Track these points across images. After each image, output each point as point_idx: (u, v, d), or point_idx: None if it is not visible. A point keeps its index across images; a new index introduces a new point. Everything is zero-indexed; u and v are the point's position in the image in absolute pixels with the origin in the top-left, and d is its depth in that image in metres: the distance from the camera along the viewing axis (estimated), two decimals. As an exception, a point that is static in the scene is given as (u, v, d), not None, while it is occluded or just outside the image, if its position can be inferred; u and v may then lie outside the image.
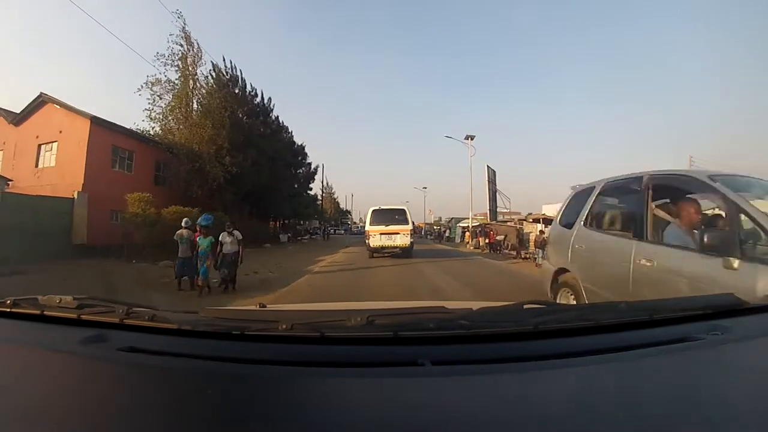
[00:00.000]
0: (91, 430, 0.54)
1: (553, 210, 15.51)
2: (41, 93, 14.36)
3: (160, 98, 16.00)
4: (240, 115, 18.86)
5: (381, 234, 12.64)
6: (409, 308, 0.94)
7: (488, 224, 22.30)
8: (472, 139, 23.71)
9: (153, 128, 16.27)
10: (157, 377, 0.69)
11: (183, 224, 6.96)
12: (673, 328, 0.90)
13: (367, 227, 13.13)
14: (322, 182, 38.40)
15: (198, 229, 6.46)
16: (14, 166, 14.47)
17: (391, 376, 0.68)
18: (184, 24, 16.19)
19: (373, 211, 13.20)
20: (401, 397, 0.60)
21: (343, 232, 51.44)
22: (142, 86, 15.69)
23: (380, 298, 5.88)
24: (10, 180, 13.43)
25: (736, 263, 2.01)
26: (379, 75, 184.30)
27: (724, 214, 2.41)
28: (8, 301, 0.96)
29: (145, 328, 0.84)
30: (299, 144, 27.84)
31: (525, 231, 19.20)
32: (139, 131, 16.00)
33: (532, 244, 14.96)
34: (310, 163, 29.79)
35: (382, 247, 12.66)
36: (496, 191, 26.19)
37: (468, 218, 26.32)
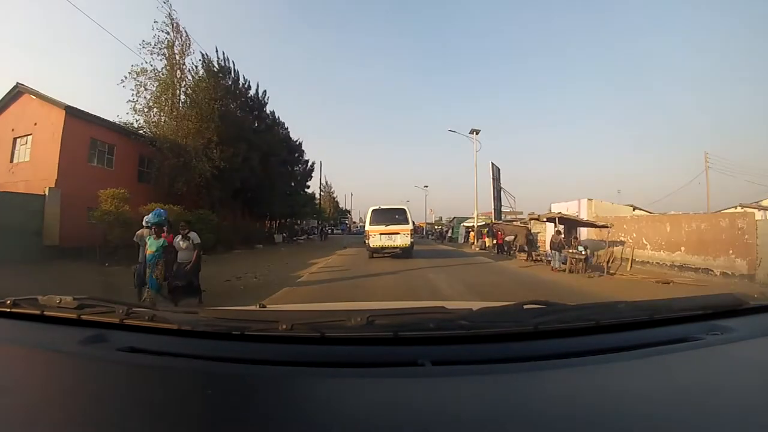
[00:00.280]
0: (91, 431, 0.55)
1: (564, 209, 14.58)
2: (17, 83, 13.92)
3: (145, 89, 15.41)
4: (232, 107, 17.97)
5: (381, 234, 12.53)
6: (409, 308, 0.95)
7: (496, 223, 21.38)
8: (477, 134, 22.68)
9: (137, 121, 15.50)
10: (157, 377, 0.71)
11: (144, 223, 5.70)
12: (673, 328, 0.92)
13: (367, 227, 13.02)
14: (320, 180, 37.39)
15: (151, 228, 5.32)
16: (-12, 161, 13.65)
17: (392, 376, 0.69)
18: (170, 9, 15.32)
19: (373, 210, 13.08)
20: (401, 398, 0.62)
21: (340, 231, 50.76)
22: (125, 77, 14.97)
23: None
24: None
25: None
26: (379, 75, 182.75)
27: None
28: (8, 302, 0.98)
29: (145, 328, 0.85)
30: (296, 140, 26.94)
31: (533, 231, 18.29)
32: (122, 124, 15.09)
33: (545, 245, 14.11)
34: (307, 161, 29.23)
35: (382, 247, 12.58)
36: (501, 189, 25.25)
37: (471, 217, 25.61)
